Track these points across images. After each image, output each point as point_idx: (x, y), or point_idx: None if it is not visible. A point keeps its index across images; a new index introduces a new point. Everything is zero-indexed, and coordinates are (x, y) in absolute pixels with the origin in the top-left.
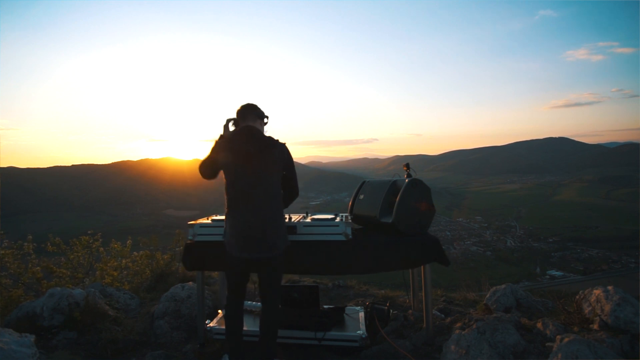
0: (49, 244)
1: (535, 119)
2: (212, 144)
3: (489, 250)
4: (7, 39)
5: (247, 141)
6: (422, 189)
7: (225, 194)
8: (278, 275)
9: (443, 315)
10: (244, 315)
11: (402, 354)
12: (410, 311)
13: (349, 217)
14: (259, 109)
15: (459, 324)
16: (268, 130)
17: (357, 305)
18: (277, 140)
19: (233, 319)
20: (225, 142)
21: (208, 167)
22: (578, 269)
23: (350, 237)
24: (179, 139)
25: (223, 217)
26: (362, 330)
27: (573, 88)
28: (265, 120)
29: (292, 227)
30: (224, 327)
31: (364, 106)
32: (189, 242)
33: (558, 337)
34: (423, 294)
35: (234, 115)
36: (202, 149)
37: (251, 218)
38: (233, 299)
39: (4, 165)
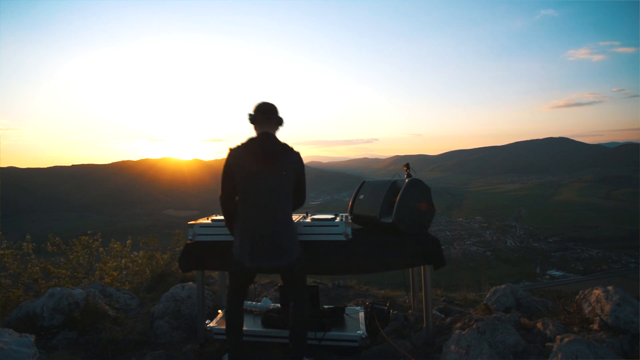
0: (48, 244)
1: (535, 119)
2: (226, 155)
3: (489, 250)
4: (7, 39)
5: (262, 148)
6: (422, 189)
7: (237, 201)
8: (300, 277)
9: (443, 315)
10: (244, 315)
11: (402, 354)
12: (410, 311)
13: (349, 217)
14: (279, 113)
15: (459, 324)
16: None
17: (357, 305)
18: (292, 148)
19: (234, 318)
20: (240, 148)
21: (227, 181)
22: (578, 269)
23: (350, 237)
24: (179, 139)
25: (223, 218)
26: (362, 330)
27: (574, 88)
28: (280, 127)
29: None
30: (224, 327)
31: (364, 106)
32: (189, 242)
33: (558, 337)
34: (423, 294)
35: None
36: (202, 149)
37: (263, 226)
38: (235, 299)
39: (4, 165)
